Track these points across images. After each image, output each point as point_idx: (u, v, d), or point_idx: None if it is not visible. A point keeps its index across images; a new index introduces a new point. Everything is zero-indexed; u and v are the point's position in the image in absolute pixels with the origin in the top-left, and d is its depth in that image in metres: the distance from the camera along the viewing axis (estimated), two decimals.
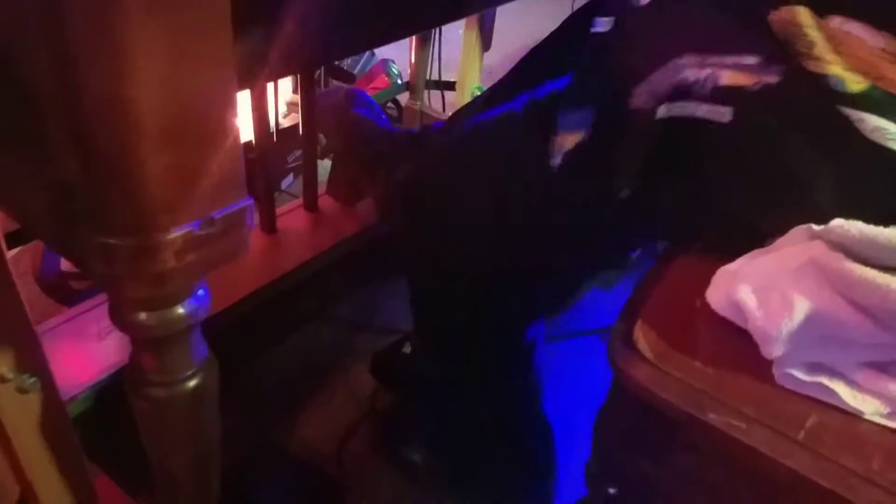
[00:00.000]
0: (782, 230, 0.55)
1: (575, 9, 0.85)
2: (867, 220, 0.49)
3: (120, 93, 0.40)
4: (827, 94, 0.53)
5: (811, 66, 0.54)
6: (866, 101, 0.53)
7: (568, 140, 0.68)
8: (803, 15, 0.55)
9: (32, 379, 0.58)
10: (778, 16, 0.56)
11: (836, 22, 0.55)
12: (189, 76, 0.43)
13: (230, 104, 0.46)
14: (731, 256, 0.56)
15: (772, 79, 0.55)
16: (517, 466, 0.95)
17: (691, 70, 0.58)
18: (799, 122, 0.56)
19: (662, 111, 0.60)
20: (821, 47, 0.54)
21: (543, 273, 0.79)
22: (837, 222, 0.50)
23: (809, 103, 0.55)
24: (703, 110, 0.57)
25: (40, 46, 0.41)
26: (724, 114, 0.56)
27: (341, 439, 1.04)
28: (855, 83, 0.53)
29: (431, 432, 1.00)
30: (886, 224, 0.48)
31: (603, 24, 0.67)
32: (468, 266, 0.77)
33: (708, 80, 0.57)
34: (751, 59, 0.56)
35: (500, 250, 0.75)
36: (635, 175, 0.63)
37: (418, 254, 0.84)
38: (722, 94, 0.56)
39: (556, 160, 0.68)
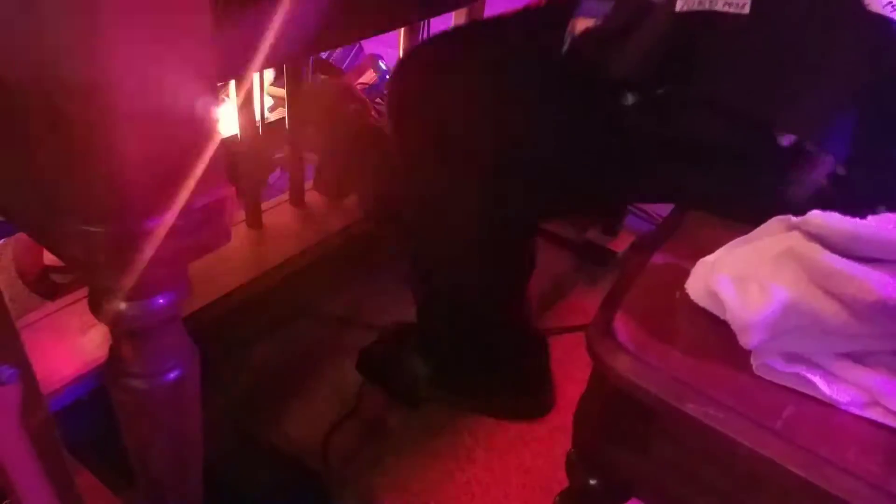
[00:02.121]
0: (791, 117, 0.54)
1: None
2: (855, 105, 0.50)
3: (98, 80, 0.40)
4: None
5: None
6: None
7: (579, 24, 0.68)
8: None
9: (11, 371, 0.58)
10: None
11: None
12: (167, 63, 0.42)
13: (209, 92, 0.46)
14: (711, 242, 0.56)
15: None
16: (517, 384, 0.96)
17: None
18: (813, 10, 0.56)
19: (680, 4, 0.60)
20: None
21: (548, 181, 0.76)
22: (815, 214, 0.50)
23: None
24: (721, 2, 0.58)
25: (18, 33, 0.41)
26: (743, 5, 0.57)
27: (326, 435, 1.04)
28: None
29: (432, 356, 1.01)
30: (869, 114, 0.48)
31: None
32: (466, 172, 0.75)
33: None
34: None
35: (505, 157, 0.73)
36: (640, 79, 0.62)
37: (418, 166, 0.81)
38: None
39: (566, 45, 0.68)
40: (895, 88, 0.54)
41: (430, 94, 0.76)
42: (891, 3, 0.53)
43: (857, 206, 0.51)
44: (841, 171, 0.59)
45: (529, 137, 0.70)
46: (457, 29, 0.87)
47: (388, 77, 1.03)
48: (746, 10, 0.57)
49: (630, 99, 0.63)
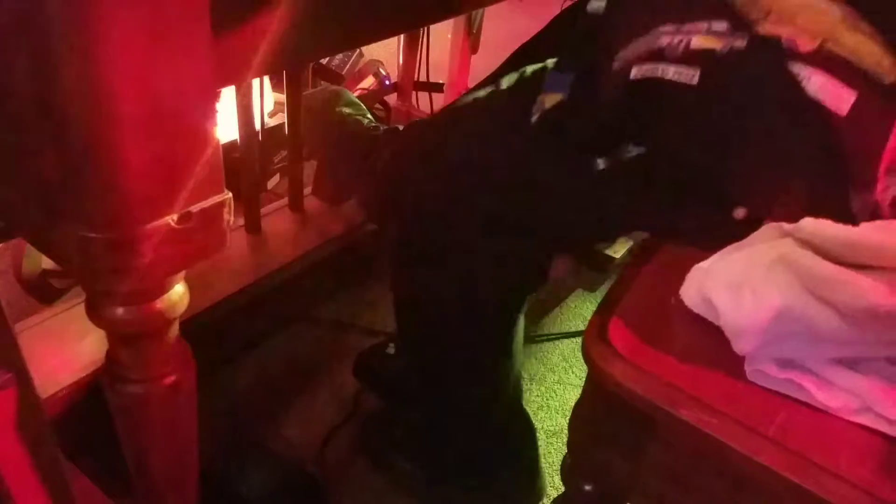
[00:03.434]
0: (742, 191, 0.56)
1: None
2: (802, 179, 0.51)
3: (97, 86, 0.41)
4: (781, 54, 0.55)
5: (765, 29, 0.56)
6: (815, 60, 0.55)
7: (548, 99, 0.69)
8: None
9: (8, 375, 0.58)
10: None
11: None
12: (167, 69, 0.43)
13: (208, 97, 0.47)
14: (703, 240, 0.57)
15: (739, 43, 0.57)
16: (501, 472, 0.95)
17: (668, 36, 0.60)
18: (758, 84, 0.58)
19: (635, 72, 0.61)
20: (775, 14, 0.56)
21: (523, 247, 0.78)
22: (808, 221, 0.50)
23: (767, 65, 0.57)
24: (672, 71, 0.59)
25: (19, 39, 0.42)
26: (692, 76, 0.58)
27: (324, 439, 1.04)
28: (806, 43, 0.55)
29: (414, 435, 1.00)
30: (819, 187, 0.50)
31: (596, 5, 0.69)
32: (448, 248, 0.76)
33: (681, 43, 0.59)
34: (721, 25, 0.58)
35: (481, 222, 0.74)
36: (607, 139, 0.64)
37: (399, 246, 0.84)
38: (692, 57, 0.59)
39: (534, 117, 0.69)
40: (836, 170, 0.56)
41: (408, 178, 0.79)
42: (822, 86, 0.54)
43: None
44: None
45: (509, 212, 0.72)
46: (432, 117, 0.91)
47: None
48: (695, 81, 0.58)
49: (601, 164, 0.65)
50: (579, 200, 0.71)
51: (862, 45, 0.55)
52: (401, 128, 1.12)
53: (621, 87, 0.62)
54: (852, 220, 0.54)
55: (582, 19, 0.70)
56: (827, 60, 0.55)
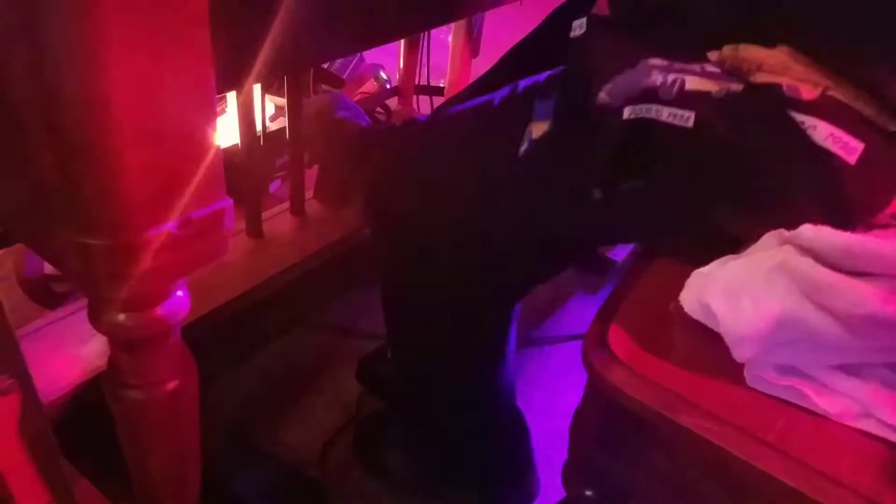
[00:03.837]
0: (742, 232, 0.56)
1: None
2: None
3: (97, 92, 0.41)
4: (782, 101, 0.54)
5: (760, 78, 0.55)
6: (819, 108, 0.54)
7: (536, 128, 0.69)
8: (745, 50, 0.56)
9: (10, 381, 0.58)
10: (720, 54, 0.57)
11: (788, 50, 0.55)
12: (166, 75, 0.43)
13: (208, 103, 0.47)
14: (704, 260, 0.56)
15: (736, 86, 0.56)
16: (495, 472, 0.95)
17: (659, 74, 0.59)
18: (756, 129, 0.57)
19: (628, 112, 0.60)
20: (768, 65, 0.55)
21: (512, 266, 0.78)
22: (807, 228, 0.50)
23: (766, 111, 0.56)
24: (666, 113, 0.58)
25: (18, 45, 0.42)
26: (687, 118, 0.57)
27: (326, 443, 1.04)
28: (808, 91, 0.54)
29: (409, 439, 1.00)
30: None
31: (578, 28, 0.68)
32: (437, 258, 0.77)
33: (675, 83, 0.58)
34: (715, 68, 0.57)
35: (470, 240, 0.75)
36: (603, 174, 0.63)
37: (389, 250, 0.84)
38: (687, 99, 0.57)
39: (524, 146, 0.69)
40: (842, 218, 0.55)
41: (406, 200, 0.79)
42: (831, 135, 0.54)
43: None
44: None
45: (504, 232, 0.72)
46: (427, 126, 0.90)
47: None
48: (690, 123, 0.57)
49: (597, 194, 0.65)
50: (574, 221, 0.71)
51: (860, 97, 0.54)
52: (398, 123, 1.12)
53: (613, 127, 0.61)
54: None
55: (567, 44, 0.69)
56: (831, 109, 0.54)
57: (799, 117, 0.54)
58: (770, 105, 0.55)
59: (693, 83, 0.57)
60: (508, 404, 0.93)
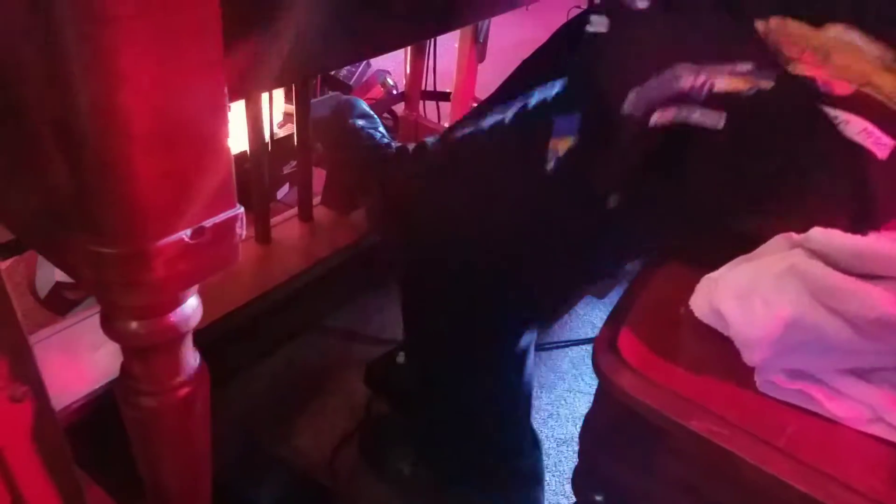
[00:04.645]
0: (767, 232, 0.56)
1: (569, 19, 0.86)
2: (845, 219, 0.50)
3: (110, 100, 0.41)
4: (814, 96, 0.54)
5: (799, 69, 0.55)
6: (852, 104, 0.54)
7: (560, 145, 0.69)
8: (792, 25, 0.56)
9: (24, 388, 0.59)
10: (767, 25, 0.57)
11: (836, 31, 0.55)
12: (179, 84, 0.43)
13: (220, 112, 0.47)
14: (715, 265, 0.56)
15: (766, 84, 0.56)
16: (505, 477, 0.95)
17: (687, 78, 0.59)
18: (788, 125, 0.57)
19: (655, 118, 0.60)
20: (810, 52, 0.55)
21: (536, 284, 0.79)
22: (817, 231, 0.50)
23: (798, 106, 0.56)
24: (696, 116, 0.58)
25: (31, 55, 0.42)
26: (718, 119, 0.57)
27: (335, 448, 1.04)
28: (842, 87, 0.54)
29: (420, 443, 1.00)
30: (861, 225, 0.49)
31: (597, 24, 0.68)
32: (460, 276, 0.78)
33: (704, 86, 0.58)
34: (745, 66, 0.57)
35: (493, 259, 0.75)
36: (624, 181, 0.63)
37: (410, 265, 0.84)
38: (717, 100, 0.57)
39: (551, 164, 0.69)
40: (867, 213, 0.55)
41: (423, 214, 0.79)
42: (864, 129, 0.54)
43: None
44: None
45: (520, 246, 0.73)
46: (444, 145, 0.91)
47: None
48: (721, 125, 0.57)
49: (613, 202, 0.65)
50: (593, 240, 0.71)
51: None
52: (411, 148, 1.13)
53: (640, 132, 0.61)
54: None
55: (583, 43, 0.69)
56: (865, 105, 0.54)
57: (831, 112, 0.54)
58: (802, 98, 0.55)
59: (723, 84, 0.57)
60: (522, 415, 0.93)
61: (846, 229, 0.54)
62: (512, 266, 0.75)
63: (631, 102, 0.62)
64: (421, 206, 0.81)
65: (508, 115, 0.79)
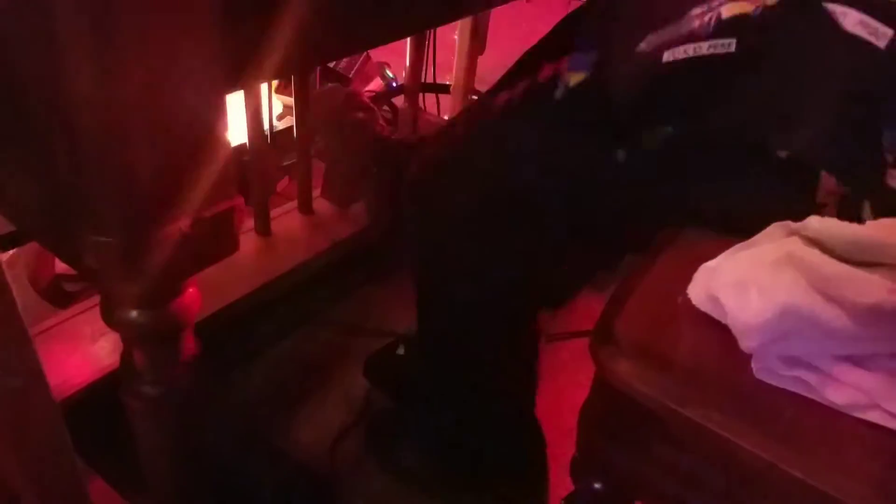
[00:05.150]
0: (784, 137, 0.56)
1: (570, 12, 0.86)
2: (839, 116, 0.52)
3: (109, 93, 0.41)
4: None
5: None
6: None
7: (573, 77, 0.70)
8: None
9: (24, 380, 0.59)
10: None
11: None
12: (176, 76, 0.44)
13: (218, 104, 0.47)
14: (713, 248, 0.57)
15: (771, 1, 0.57)
16: (510, 469, 0.96)
17: (698, 18, 0.61)
18: (794, 34, 0.58)
19: (667, 55, 0.62)
20: None
21: (547, 255, 0.78)
22: (813, 219, 0.51)
23: (802, 14, 0.57)
24: (706, 46, 0.60)
25: (33, 48, 0.42)
26: (728, 45, 0.59)
27: (335, 441, 1.05)
28: None
29: (425, 436, 1.00)
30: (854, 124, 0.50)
31: None
32: (474, 253, 0.77)
33: (711, 19, 0.59)
34: None
35: (505, 227, 0.75)
36: (631, 128, 0.64)
37: (425, 249, 0.83)
38: (725, 27, 0.59)
39: (559, 92, 0.70)
40: (874, 108, 0.56)
41: (439, 171, 0.79)
42: (861, 21, 0.54)
43: None
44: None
45: (533, 198, 0.72)
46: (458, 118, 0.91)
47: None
48: (732, 48, 0.59)
49: (621, 156, 0.65)
50: (601, 187, 0.71)
51: None
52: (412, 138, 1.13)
53: (651, 70, 0.62)
54: (882, 152, 0.55)
55: None
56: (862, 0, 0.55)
57: (829, 7, 0.55)
58: (804, 8, 0.56)
59: (729, 10, 0.59)
60: (529, 411, 0.93)
61: (850, 127, 0.55)
62: (524, 233, 0.74)
63: (648, 41, 0.63)
64: (445, 177, 0.80)
65: (521, 86, 0.79)
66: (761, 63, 0.59)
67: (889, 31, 0.54)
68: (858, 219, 0.58)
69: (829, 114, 0.54)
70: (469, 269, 0.78)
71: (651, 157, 0.66)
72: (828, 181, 0.59)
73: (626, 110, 0.66)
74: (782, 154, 0.60)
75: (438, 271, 0.83)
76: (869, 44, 0.55)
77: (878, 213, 0.58)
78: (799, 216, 0.54)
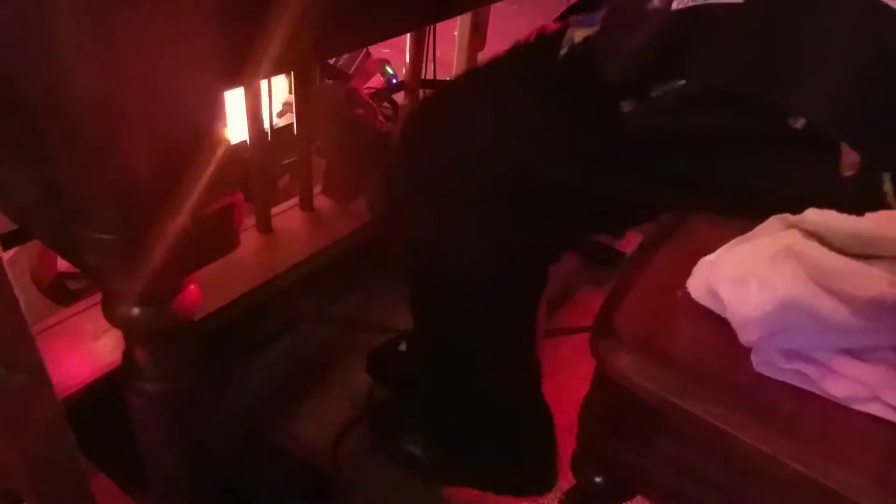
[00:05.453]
0: (797, 100, 0.55)
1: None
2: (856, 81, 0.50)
3: (107, 91, 0.42)
4: None
5: None
6: None
7: (578, 33, 0.68)
8: None
9: (26, 377, 0.59)
10: None
11: None
12: (176, 74, 0.44)
13: (216, 100, 0.47)
14: (713, 241, 0.57)
15: None
16: (516, 455, 0.95)
17: None
18: None
19: (675, 4, 0.59)
20: None
21: (552, 219, 0.76)
22: (812, 212, 0.51)
23: None
24: None
25: (32, 46, 0.43)
26: None
27: (337, 437, 1.05)
28: None
29: (429, 424, 1.00)
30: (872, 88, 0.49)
31: None
32: (467, 225, 0.75)
33: None
34: None
35: (498, 211, 0.71)
36: (637, 78, 0.63)
37: (418, 222, 0.82)
38: None
39: (564, 50, 0.68)
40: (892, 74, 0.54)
41: (434, 126, 0.77)
42: None
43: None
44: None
45: (533, 159, 0.70)
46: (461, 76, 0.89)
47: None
48: None
49: (626, 107, 0.64)
50: (604, 149, 0.68)
51: None
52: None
53: (660, 21, 0.60)
54: None
55: None
56: None
57: None
58: None
59: None
60: (534, 387, 0.93)
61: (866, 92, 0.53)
62: (527, 186, 0.71)
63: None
64: (429, 123, 0.77)
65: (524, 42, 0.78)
66: (769, 16, 0.57)
67: None
68: (880, 192, 0.57)
69: (846, 78, 0.52)
70: (462, 253, 0.77)
71: (660, 112, 0.64)
72: (848, 153, 0.58)
73: (634, 64, 0.64)
74: (798, 124, 0.58)
75: (431, 260, 0.82)
76: (888, 6, 0.53)
77: None
78: (822, 191, 0.52)
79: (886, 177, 0.55)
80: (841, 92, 0.55)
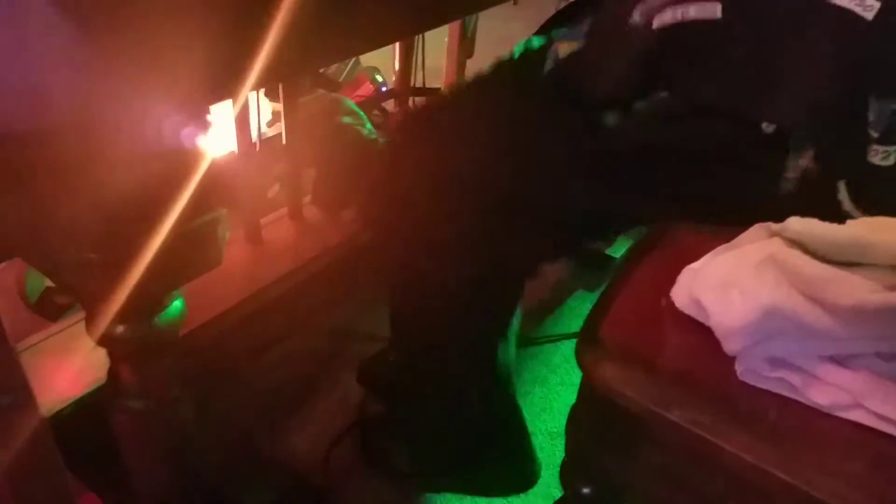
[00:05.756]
0: (768, 118, 0.57)
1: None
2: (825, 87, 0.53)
3: (84, 112, 0.41)
4: None
5: None
6: None
7: (562, 48, 0.70)
8: None
9: (10, 396, 0.59)
10: None
11: None
12: (152, 99, 0.44)
13: (195, 120, 0.47)
14: (698, 248, 0.57)
15: None
16: (500, 464, 0.96)
17: None
18: (779, 5, 0.58)
19: (656, 22, 0.62)
20: None
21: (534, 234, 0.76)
22: (794, 220, 0.51)
23: None
24: (693, 10, 0.60)
25: (13, 86, 0.42)
26: (714, 10, 0.59)
27: (328, 447, 1.04)
28: None
29: (415, 437, 1.00)
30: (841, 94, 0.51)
31: None
32: (448, 245, 0.75)
33: None
34: None
35: (483, 206, 0.72)
36: (621, 92, 0.64)
37: (396, 246, 0.82)
38: None
39: (548, 65, 0.69)
40: (862, 80, 0.56)
41: (424, 138, 0.77)
42: None
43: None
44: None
45: (521, 175, 0.71)
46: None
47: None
48: (718, 14, 0.59)
49: (611, 119, 0.65)
50: (587, 166, 0.69)
51: None
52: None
53: (641, 38, 0.63)
54: (866, 127, 0.55)
55: None
56: None
57: None
58: None
59: None
60: (508, 396, 0.93)
61: (836, 98, 0.55)
62: (510, 212, 0.71)
63: (638, 13, 0.64)
64: (413, 148, 0.78)
65: (513, 53, 0.79)
66: (744, 32, 0.60)
67: (876, 4, 0.54)
68: (834, 200, 0.58)
69: (816, 86, 0.54)
70: (441, 261, 0.76)
71: (642, 124, 0.65)
72: (803, 158, 0.60)
73: (618, 80, 0.66)
74: (769, 129, 0.60)
75: (409, 269, 0.81)
76: (856, 15, 0.55)
77: (856, 194, 0.59)
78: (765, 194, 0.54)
79: (841, 185, 0.57)
80: (808, 96, 0.57)
